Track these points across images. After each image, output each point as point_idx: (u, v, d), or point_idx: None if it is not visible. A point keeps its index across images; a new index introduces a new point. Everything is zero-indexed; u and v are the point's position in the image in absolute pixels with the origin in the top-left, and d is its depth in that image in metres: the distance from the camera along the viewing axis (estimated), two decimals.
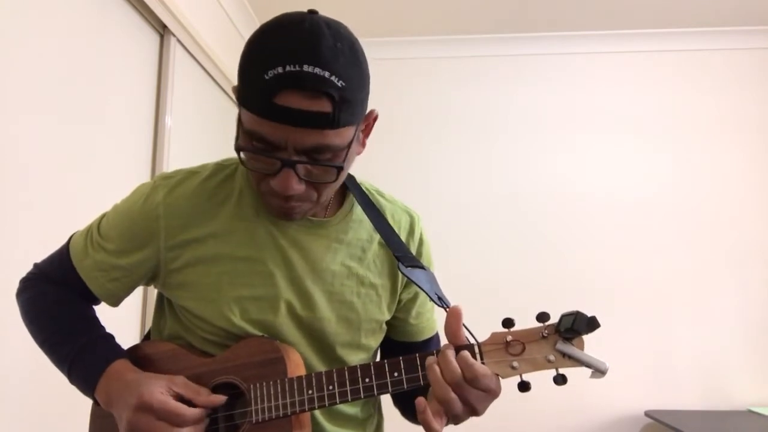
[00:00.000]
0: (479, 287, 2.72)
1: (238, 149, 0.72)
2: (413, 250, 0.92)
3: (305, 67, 0.65)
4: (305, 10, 0.73)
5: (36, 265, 0.93)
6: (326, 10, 0.77)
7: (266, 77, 0.66)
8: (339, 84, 0.67)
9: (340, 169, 0.73)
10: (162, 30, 2.03)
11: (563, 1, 2.70)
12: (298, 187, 0.72)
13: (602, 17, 2.83)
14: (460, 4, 2.73)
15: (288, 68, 0.65)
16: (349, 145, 0.73)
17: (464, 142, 3.00)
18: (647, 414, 2.61)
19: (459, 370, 0.68)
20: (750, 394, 2.67)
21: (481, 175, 2.96)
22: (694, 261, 2.80)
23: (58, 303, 0.88)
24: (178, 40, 2.09)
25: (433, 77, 3.06)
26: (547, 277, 2.80)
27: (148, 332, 0.98)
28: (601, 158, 2.93)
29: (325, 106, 0.67)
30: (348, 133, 0.72)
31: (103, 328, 0.90)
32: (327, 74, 0.66)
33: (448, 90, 3.04)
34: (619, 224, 2.85)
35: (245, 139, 0.72)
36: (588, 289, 2.77)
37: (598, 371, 0.68)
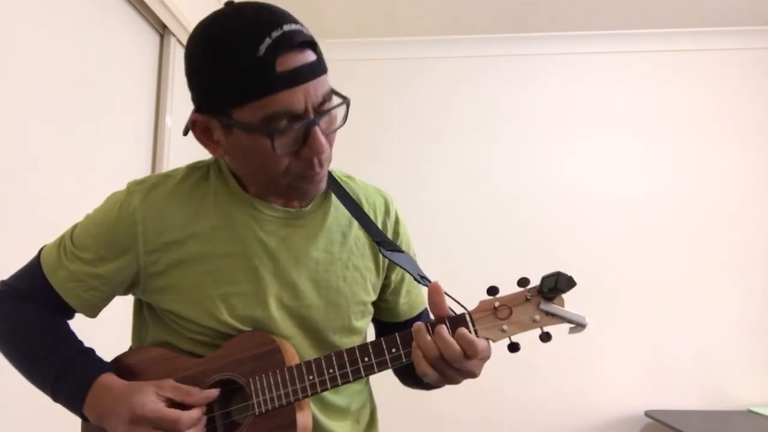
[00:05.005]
0: (478, 287, 2.71)
1: (271, 139, 0.70)
2: (390, 230, 0.94)
3: (285, 27, 0.69)
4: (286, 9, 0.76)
5: (4, 282, 0.89)
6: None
7: (259, 54, 0.67)
8: (309, 33, 0.72)
9: (348, 104, 0.75)
10: (162, 30, 2.04)
11: (563, 1, 2.70)
12: (327, 142, 0.75)
13: (602, 17, 2.83)
14: (460, 4, 2.73)
15: (274, 34, 0.68)
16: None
17: (464, 142, 2.99)
18: (647, 414, 2.61)
19: (458, 348, 0.72)
20: (750, 394, 2.67)
21: (481, 175, 2.96)
22: (694, 261, 2.79)
23: (32, 321, 0.85)
24: (178, 40, 2.09)
25: (433, 77, 3.06)
26: None
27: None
28: (601, 158, 2.93)
29: (312, 54, 0.72)
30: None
31: (81, 342, 0.87)
32: (299, 26, 0.71)
33: (448, 90, 3.04)
34: (619, 224, 2.85)
35: (266, 129, 0.71)
36: (588, 289, 2.72)
37: (579, 325, 0.72)
